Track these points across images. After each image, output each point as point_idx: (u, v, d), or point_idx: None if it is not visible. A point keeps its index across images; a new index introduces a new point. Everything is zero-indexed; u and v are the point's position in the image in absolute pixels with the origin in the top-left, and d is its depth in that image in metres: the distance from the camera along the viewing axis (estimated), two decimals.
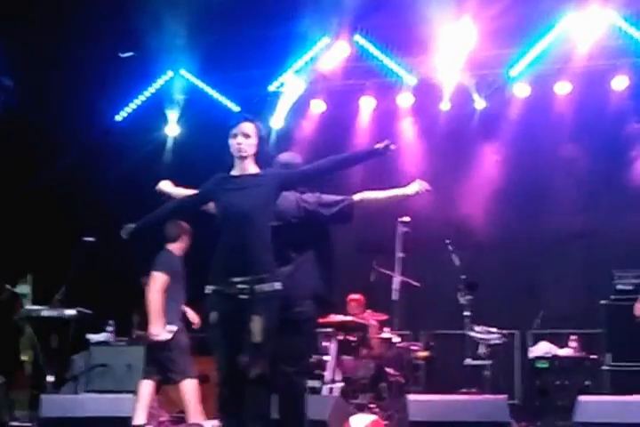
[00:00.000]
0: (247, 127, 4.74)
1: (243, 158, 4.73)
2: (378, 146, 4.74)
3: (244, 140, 4.71)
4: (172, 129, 10.55)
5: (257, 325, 4.50)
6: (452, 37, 9.37)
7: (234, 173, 4.79)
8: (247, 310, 4.53)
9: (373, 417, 6.58)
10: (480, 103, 9.68)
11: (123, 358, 8.10)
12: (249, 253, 4.56)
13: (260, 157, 4.80)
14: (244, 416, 4.54)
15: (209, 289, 4.65)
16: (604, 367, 7.81)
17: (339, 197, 5.04)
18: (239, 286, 4.53)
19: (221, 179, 4.81)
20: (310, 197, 5.05)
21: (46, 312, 7.39)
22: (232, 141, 4.74)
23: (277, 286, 4.60)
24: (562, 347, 8.13)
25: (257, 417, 4.54)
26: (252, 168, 4.77)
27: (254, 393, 4.53)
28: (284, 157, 5.24)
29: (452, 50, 9.47)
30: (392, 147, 4.74)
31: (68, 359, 8.39)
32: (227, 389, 4.60)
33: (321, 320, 6.56)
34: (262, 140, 4.80)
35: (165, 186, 5.42)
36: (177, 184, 10.00)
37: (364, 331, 7.93)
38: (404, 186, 5.09)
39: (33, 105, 9.61)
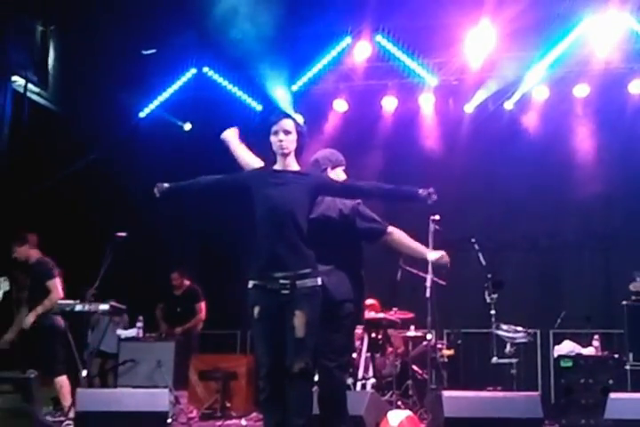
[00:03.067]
0: (287, 124, 4.74)
1: (285, 155, 4.74)
2: (422, 192, 4.68)
3: (285, 136, 4.71)
4: (188, 126, 10.67)
5: (300, 320, 4.51)
6: (472, 39, 9.48)
7: (276, 168, 4.78)
8: (289, 305, 4.54)
9: (408, 413, 6.62)
10: (509, 104, 9.78)
11: (152, 354, 8.08)
12: (290, 248, 4.57)
13: (299, 152, 4.79)
14: (287, 411, 4.54)
15: (251, 284, 4.64)
16: (627, 366, 7.89)
17: (376, 217, 5.01)
18: (281, 281, 4.54)
19: (263, 172, 4.81)
20: (349, 202, 5.01)
21: (80, 307, 7.38)
22: (273, 139, 4.73)
23: (319, 281, 4.62)
24: (584, 346, 8.23)
25: (300, 412, 4.53)
26: (293, 164, 4.78)
27: (297, 388, 4.52)
28: (323, 153, 5.23)
29: (472, 52, 9.59)
30: (434, 197, 4.69)
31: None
32: (269, 384, 4.57)
33: None
34: (301, 136, 4.80)
35: (231, 136, 5.30)
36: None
37: (393, 328, 8.03)
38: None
39: (59, 102, 9.65)
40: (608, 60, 9.54)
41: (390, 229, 4.97)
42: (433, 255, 5.00)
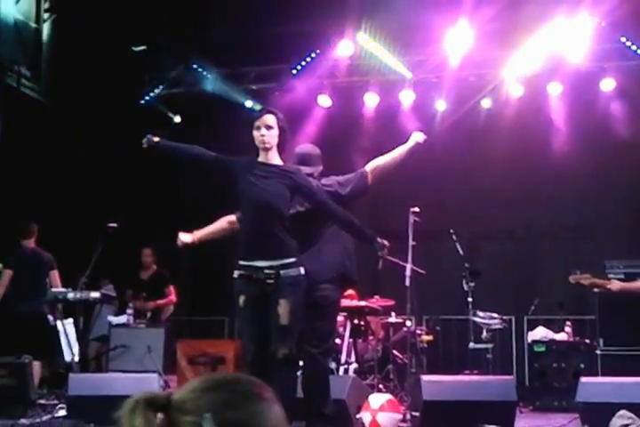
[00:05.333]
0: (269, 119, 4.88)
1: (267, 150, 4.88)
2: (380, 241, 4.92)
3: (267, 131, 4.84)
4: (178, 118, 10.93)
5: (284, 308, 4.71)
6: (450, 38, 9.78)
7: (260, 160, 4.92)
8: (274, 294, 4.73)
9: (389, 396, 6.88)
10: (487, 102, 10.10)
11: (142, 340, 8.30)
12: (273, 238, 4.76)
13: (281, 147, 4.94)
14: None
15: (236, 274, 4.83)
16: (598, 351, 8.16)
17: (351, 175, 5.27)
18: (266, 271, 4.73)
19: (250, 162, 4.93)
20: (328, 181, 5.28)
21: (72, 295, 7.60)
22: (256, 134, 4.87)
23: (302, 270, 4.82)
24: (557, 332, 8.58)
25: (284, 396, 4.75)
26: (276, 159, 4.94)
27: (281, 373, 4.72)
28: (302, 148, 5.44)
29: (450, 50, 9.89)
30: (385, 251, 4.95)
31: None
32: (254, 370, 4.71)
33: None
34: (283, 131, 4.94)
35: (186, 237, 5.46)
36: (190, 176, 10.30)
37: (374, 315, 8.32)
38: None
39: (52, 96, 9.83)
40: (580, 60, 9.85)
41: (369, 167, 5.30)
42: (412, 141, 5.48)
